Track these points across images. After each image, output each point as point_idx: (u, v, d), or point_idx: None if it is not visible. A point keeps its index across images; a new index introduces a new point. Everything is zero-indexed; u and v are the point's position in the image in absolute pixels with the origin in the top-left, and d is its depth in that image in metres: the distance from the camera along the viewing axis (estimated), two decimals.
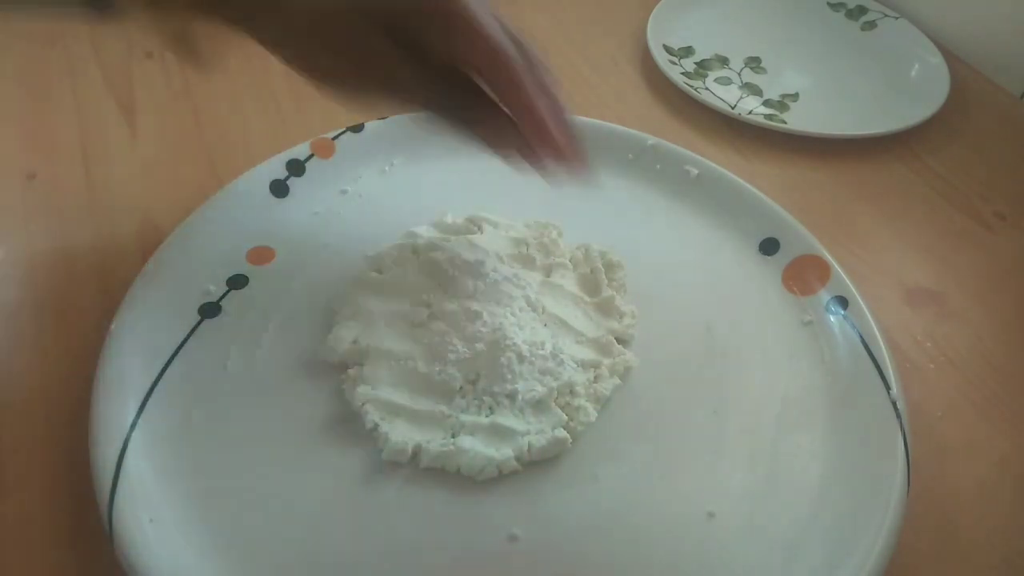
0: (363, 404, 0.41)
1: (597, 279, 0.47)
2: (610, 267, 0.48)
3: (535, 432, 0.40)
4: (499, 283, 0.44)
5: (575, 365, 0.43)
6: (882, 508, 0.37)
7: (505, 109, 0.38)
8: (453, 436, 0.40)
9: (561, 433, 0.40)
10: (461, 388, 0.41)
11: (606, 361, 0.43)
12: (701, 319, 0.47)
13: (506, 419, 0.40)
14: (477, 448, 0.39)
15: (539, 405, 0.41)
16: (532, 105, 0.37)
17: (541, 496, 0.39)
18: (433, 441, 0.40)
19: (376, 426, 0.40)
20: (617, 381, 0.43)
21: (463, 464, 0.39)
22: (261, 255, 0.49)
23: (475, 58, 0.37)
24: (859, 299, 0.46)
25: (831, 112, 0.63)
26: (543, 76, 0.38)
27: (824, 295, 0.47)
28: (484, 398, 0.41)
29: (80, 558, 0.37)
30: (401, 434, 0.40)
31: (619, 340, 0.45)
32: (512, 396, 0.41)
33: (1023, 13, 0.65)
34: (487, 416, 0.40)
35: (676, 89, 0.64)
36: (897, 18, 0.72)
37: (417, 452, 0.39)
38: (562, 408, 0.41)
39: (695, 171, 0.54)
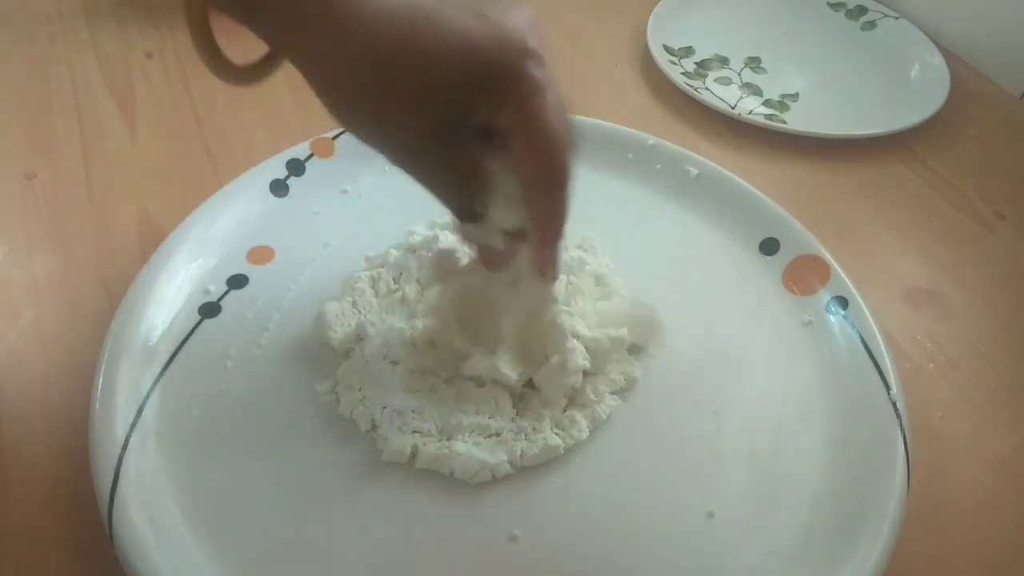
0: (352, 410, 0.41)
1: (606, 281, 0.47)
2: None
3: (528, 436, 0.40)
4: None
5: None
6: (882, 508, 0.37)
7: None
8: (448, 438, 0.40)
9: (553, 440, 0.40)
10: (458, 388, 0.42)
11: (612, 374, 0.43)
12: (701, 319, 0.47)
13: (500, 423, 0.40)
14: (471, 452, 0.39)
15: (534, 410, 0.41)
16: (553, 230, 0.37)
17: (541, 496, 0.39)
18: (428, 443, 0.40)
19: (374, 426, 0.40)
20: (616, 402, 0.42)
21: (456, 468, 0.39)
22: (261, 255, 0.49)
23: (531, 158, 0.34)
24: (859, 299, 0.46)
25: (831, 112, 0.63)
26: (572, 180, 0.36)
27: (824, 295, 0.47)
28: (482, 400, 0.41)
29: (80, 558, 0.37)
30: (399, 434, 0.40)
31: (631, 348, 0.45)
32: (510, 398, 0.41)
33: (1023, 13, 0.65)
34: (487, 418, 0.40)
35: (676, 89, 0.63)
36: (897, 18, 0.72)
37: (415, 453, 0.40)
38: (556, 423, 0.41)
39: (695, 171, 0.54)
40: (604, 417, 0.42)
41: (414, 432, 0.40)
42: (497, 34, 0.32)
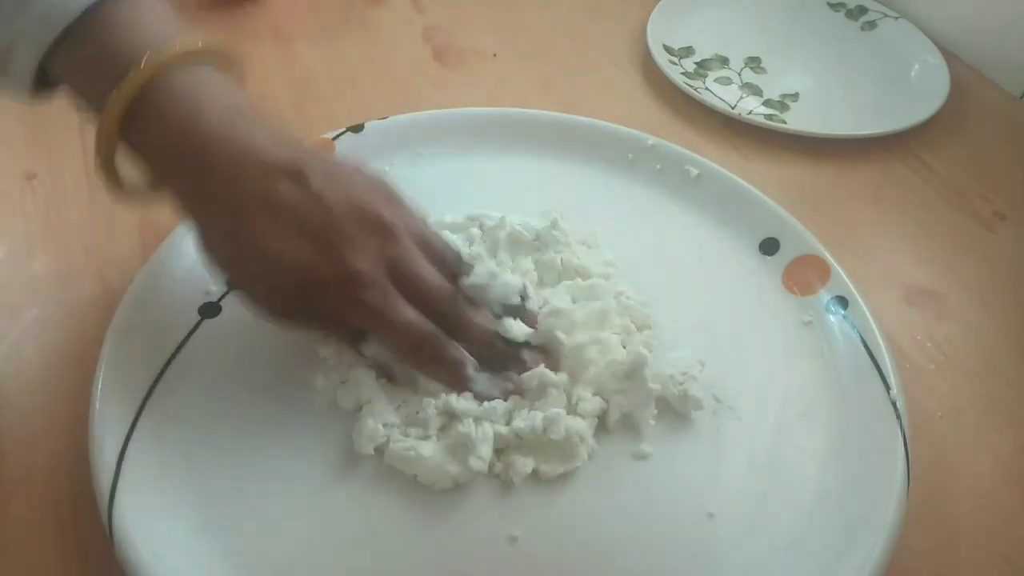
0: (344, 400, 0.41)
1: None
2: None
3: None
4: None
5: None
6: (882, 508, 0.37)
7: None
8: (425, 436, 0.40)
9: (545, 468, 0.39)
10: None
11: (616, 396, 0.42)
12: (701, 319, 0.47)
13: (475, 431, 0.39)
14: (435, 459, 0.38)
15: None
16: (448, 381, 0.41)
17: (540, 497, 0.39)
18: (397, 441, 0.39)
19: (360, 415, 0.40)
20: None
21: (419, 472, 0.39)
22: None
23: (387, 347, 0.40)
24: (859, 299, 0.46)
25: (831, 112, 0.63)
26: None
27: (824, 295, 0.47)
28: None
29: (80, 558, 0.37)
30: (371, 427, 0.39)
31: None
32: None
33: (1023, 13, 0.65)
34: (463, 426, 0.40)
35: (676, 89, 0.64)
36: (897, 18, 0.72)
37: (382, 449, 0.39)
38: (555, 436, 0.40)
39: (695, 171, 0.54)
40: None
41: (385, 425, 0.40)
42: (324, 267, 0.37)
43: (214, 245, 0.39)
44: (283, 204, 0.37)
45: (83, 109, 0.38)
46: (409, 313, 0.38)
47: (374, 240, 0.38)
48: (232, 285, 0.40)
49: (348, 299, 0.38)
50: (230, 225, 0.37)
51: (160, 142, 0.37)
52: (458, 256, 0.42)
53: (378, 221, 0.38)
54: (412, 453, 0.39)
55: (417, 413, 0.40)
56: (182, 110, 0.36)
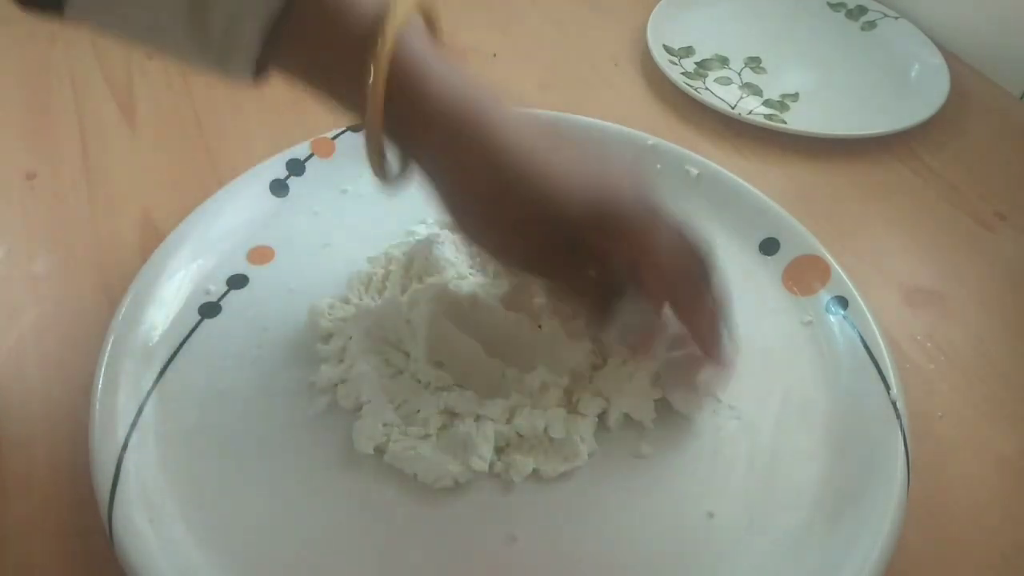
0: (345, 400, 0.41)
1: None
2: None
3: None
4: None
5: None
6: (882, 508, 0.37)
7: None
8: (425, 435, 0.40)
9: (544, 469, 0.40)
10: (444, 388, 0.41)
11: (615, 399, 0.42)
12: None
13: (475, 431, 0.39)
14: (435, 457, 0.39)
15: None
16: (709, 340, 0.40)
17: (540, 497, 0.39)
18: (397, 440, 0.39)
19: (359, 416, 0.40)
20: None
21: (419, 470, 0.39)
22: (261, 255, 0.49)
23: (653, 291, 0.39)
24: (859, 299, 0.46)
25: (831, 112, 0.63)
26: (710, 287, 0.39)
27: (824, 295, 0.47)
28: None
29: (80, 558, 0.37)
30: (372, 427, 0.39)
31: None
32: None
33: (1023, 13, 0.65)
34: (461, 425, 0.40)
35: (676, 89, 0.63)
36: (897, 18, 0.72)
37: (382, 448, 0.39)
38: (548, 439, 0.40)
39: (695, 171, 0.54)
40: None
41: (385, 425, 0.40)
42: (602, 183, 0.36)
43: (471, 196, 0.36)
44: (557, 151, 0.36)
45: (309, 89, 0.37)
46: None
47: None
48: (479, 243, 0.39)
49: (618, 235, 0.36)
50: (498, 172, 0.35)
51: (414, 116, 0.34)
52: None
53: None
54: (412, 452, 0.39)
55: (417, 412, 0.40)
56: (430, 84, 0.34)
